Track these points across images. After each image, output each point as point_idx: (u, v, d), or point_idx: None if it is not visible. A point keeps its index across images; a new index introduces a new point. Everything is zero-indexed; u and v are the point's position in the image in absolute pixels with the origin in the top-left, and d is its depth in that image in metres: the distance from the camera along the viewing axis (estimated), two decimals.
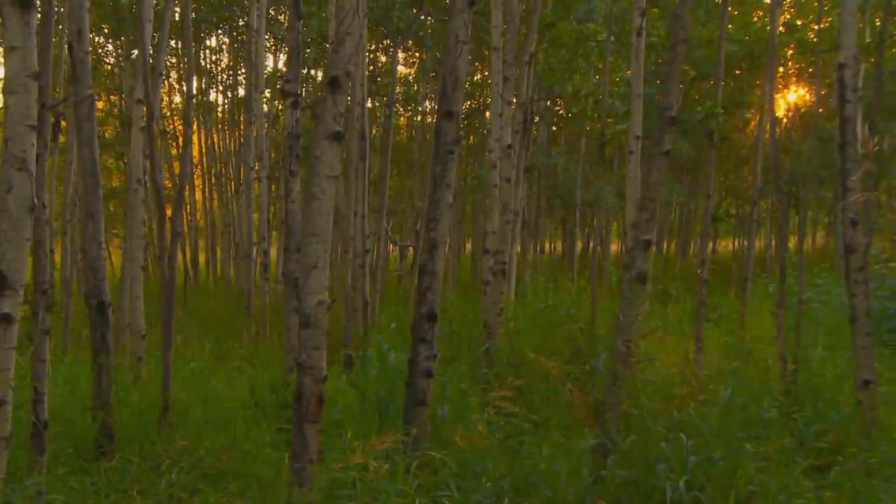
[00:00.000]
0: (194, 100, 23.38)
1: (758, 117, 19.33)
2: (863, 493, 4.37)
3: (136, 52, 16.81)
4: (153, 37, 15.58)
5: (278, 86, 18.72)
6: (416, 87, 22.28)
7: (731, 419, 4.89)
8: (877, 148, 5.95)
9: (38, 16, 5.11)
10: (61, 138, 13.31)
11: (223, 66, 24.14)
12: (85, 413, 5.89)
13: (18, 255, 4.57)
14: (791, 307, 9.64)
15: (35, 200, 4.68)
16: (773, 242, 24.43)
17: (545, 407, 6.21)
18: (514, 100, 12.31)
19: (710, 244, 29.17)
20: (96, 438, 5.65)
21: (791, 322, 9.10)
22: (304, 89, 19.85)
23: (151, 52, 15.88)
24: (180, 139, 24.95)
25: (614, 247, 25.31)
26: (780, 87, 24.08)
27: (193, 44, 22.06)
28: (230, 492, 5.20)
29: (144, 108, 8.41)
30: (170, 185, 24.46)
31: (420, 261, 5.90)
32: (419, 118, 24.32)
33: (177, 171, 24.49)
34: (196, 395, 6.89)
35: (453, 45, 5.85)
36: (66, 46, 5.89)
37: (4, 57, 4.54)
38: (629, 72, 11.43)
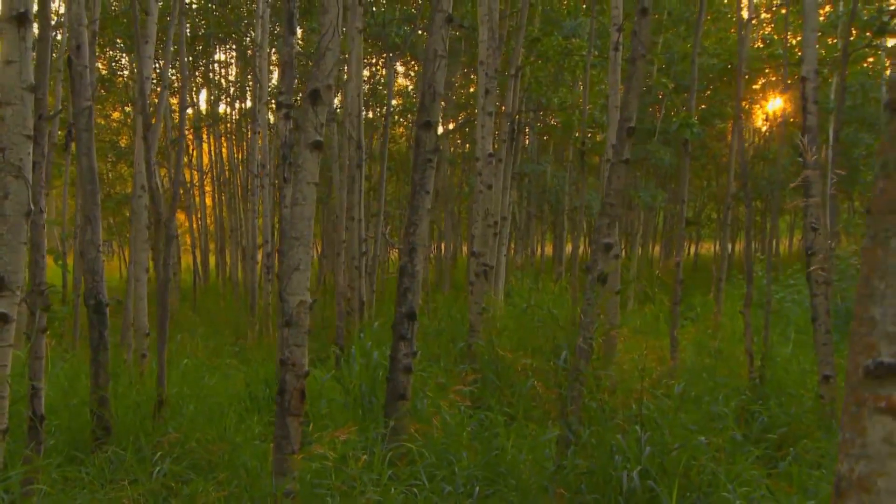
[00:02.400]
0: (204, 111, 23.54)
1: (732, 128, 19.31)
2: (808, 482, 4.37)
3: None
4: (160, 52, 15.64)
5: None
6: (414, 99, 22.27)
7: (686, 412, 4.90)
8: (815, 157, 5.95)
9: (35, 31, 5.13)
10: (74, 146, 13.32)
11: (232, 78, 24.17)
12: (83, 407, 5.91)
13: (15, 258, 4.58)
14: (764, 306, 9.65)
15: (32, 206, 4.70)
16: (753, 245, 24.40)
17: (520, 401, 6.21)
18: (501, 109, 12.33)
19: (692, 247, 29.18)
20: (93, 431, 5.66)
21: (761, 321, 9.10)
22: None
23: (160, 65, 15.94)
24: (192, 148, 25.00)
25: None
26: (758, 97, 24.08)
27: (203, 59, 22.24)
28: (219, 481, 5.21)
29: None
30: (182, 192, 24.54)
31: (400, 263, 5.91)
32: (414, 128, 24.27)
33: (188, 178, 24.53)
34: (193, 390, 6.90)
35: (432, 59, 5.87)
36: (66, 60, 5.88)
37: (1, 70, 4.56)
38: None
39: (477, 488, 4.67)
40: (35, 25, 5.20)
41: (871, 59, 21.12)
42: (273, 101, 19.25)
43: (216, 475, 5.29)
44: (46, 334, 8.88)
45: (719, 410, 5.46)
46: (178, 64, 19.77)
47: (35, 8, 5.19)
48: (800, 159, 5.84)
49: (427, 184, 5.93)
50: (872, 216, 1.25)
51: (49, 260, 11.99)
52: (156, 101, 15.00)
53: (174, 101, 24.39)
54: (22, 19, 4.52)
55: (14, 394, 5.18)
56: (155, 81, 15.32)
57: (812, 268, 6.08)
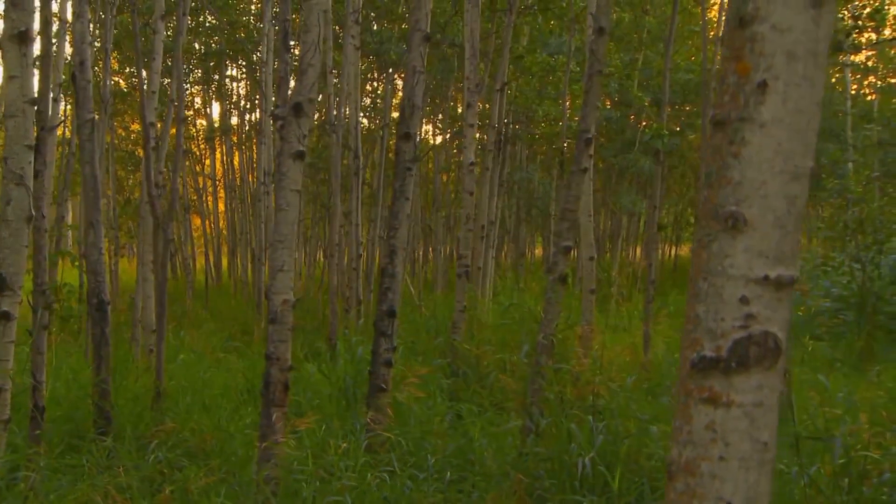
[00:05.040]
0: (217, 123, 23.59)
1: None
2: None
3: (166, 80, 16.95)
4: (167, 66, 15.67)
5: None
6: None
7: (641, 403, 4.90)
8: None
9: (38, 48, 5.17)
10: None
11: (242, 92, 24.20)
12: (86, 399, 5.92)
13: (17, 260, 4.60)
14: None
15: (33, 212, 4.72)
16: None
17: (490, 393, 6.24)
18: (488, 122, 12.33)
19: (671, 249, 29.14)
20: (94, 421, 5.66)
21: None
22: None
23: (168, 80, 15.98)
24: (204, 158, 25.04)
25: None
26: None
27: (216, 73, 22.28)
28: (210, 468, 5.21)
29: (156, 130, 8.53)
30: (195, 198, 24.58)
31: (382, 265, 5.92)
32: None
33: (200, 184, 24.56)
34: (191, 383, 6.91)
35: (411, 74, 5.88)
36: (71, 76, 5.90)
37: (4, 85, 4.59)
38: None
39: (448, 473, 4.68)
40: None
41: (838, 75, 21.19)
42: None
43: (209, 462, 5.30)
44: (55, 331, 8.91)
45: (670, 402, 5.46)
46: (188, 79, 19.86)
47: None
48: None
49: (406, 191, 5.94)
50: (698, 222, 1.27)
51: (67, 261, 11.97)
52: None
53: (188, 113, 24.47)
54: (23, 37, 4.54)
55: (19, 387, 5.21)
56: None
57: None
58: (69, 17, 9.22)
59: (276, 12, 13.97)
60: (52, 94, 11.55)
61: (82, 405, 5.89)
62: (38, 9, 5.51)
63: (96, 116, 11.75)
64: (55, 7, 11.83)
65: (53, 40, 10.82)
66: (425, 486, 4.54)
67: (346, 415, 5.70)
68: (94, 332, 5.75)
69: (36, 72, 5.92)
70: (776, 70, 1.23)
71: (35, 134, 4.73)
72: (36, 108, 4.74)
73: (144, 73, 8.58)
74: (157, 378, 6.05)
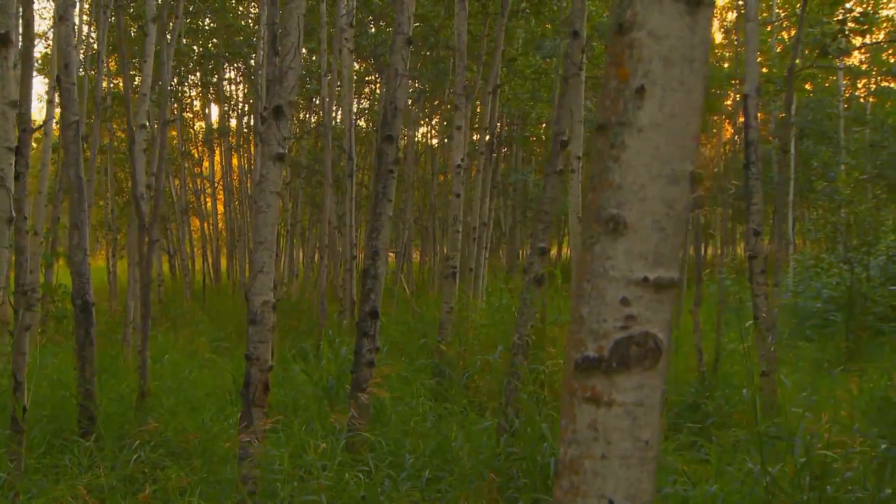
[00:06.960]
0: (215, 125, 23.61)
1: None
2: (717, 465, 4.37)
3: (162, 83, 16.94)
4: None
5: None
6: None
7: None
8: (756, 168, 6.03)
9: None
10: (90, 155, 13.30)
11: (241, 95, 24.22)
12: (71, 399, 5.92)
13: None
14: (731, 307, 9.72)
15: (14, 213, 4.72)
16: (721, 250, 24.39)
17: (469, 394, 6.24)
18: (476, 125, 12.34)
19: None
20: (79, 421, 5.67)
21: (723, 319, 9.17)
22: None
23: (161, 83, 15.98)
24: (203, 160, 25.07)
25: None
26: (729, 111, 24.07)
27: (215, 75, 22.32)
28: (192, 467, 5.22)
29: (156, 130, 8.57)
30: (193, 199, 24.60)
31: (364, 266, 5.92)
32: (405, 140, 24.31)
33: (198, 186, 24.57)
34: (176, 383, 6.91)
35: (393, 77, 5.88)
36: (55, 79, 5.91)
37: None
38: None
39: (426, 473, 4.69)
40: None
41: (832, 77, 21.17)
42: None
43: (191, 462, 5.30)
44: (51, 331, 8.92)
45: None
46: (186, 81, 19.83)
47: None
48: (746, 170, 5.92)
49: (389, 192, 5.94)
50: (583, 225, 1.28)
51: (62, 262, 11.97)
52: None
53: (187, 115, 24.50)
54: (3, 40, 4.55)
55: (1, 387, 5.22)
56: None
57: (754, 269, 6.10)
58: None
59: None
60: (47, 97, 11.61)
61: (67, 405, 5.89)
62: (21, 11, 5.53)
63: (91, 119, 11.78)
64: (53, 10, 11.81)
65: (49, 43, 10.85)
66: (403, 486, 4.54)
67: (328, 414, 5.70)
68: (78, 333, 5.75)
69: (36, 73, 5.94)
70: (653, 76, 1.24)
71: (17, 136, 4.75)
72: (17, 109, 4.76)
73: (138, 78, 8.60)
74: (141, 378, 6.06)
